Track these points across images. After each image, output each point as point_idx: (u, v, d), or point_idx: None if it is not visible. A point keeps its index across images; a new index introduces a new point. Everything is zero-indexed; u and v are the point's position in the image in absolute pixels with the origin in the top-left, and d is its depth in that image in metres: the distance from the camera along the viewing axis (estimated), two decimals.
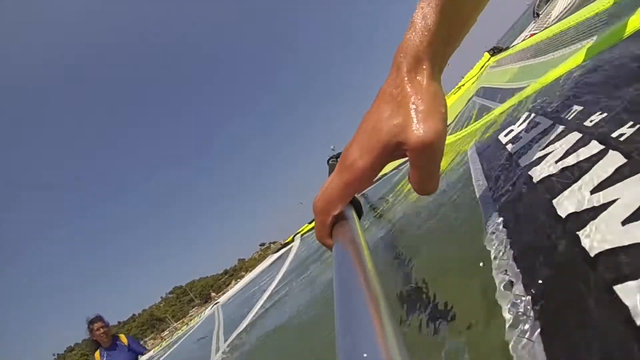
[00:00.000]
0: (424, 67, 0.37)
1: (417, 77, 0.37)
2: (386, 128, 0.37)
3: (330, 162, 2.69)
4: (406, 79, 0.37)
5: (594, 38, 1.25)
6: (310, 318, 1.91)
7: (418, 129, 0.35)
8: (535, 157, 0.59)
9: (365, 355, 0.19)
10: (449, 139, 2.81)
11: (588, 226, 0.39)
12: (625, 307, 0.29)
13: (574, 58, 1.07)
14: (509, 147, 0.76)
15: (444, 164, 1.94)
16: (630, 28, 0.77)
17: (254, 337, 2.82)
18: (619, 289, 0.31)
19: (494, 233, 0.58)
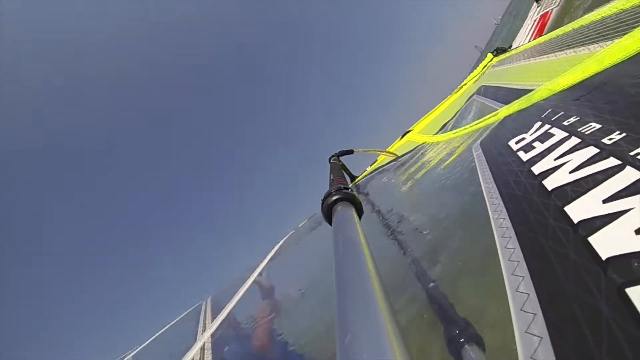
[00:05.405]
0: None
1: None
2: None
3: (331, 161, 2.71)
4: None
5: (602, 44, 1.26)
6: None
7: None
8: (549, 167, 0.60)
9: (365, 355, 0.19)
10: (448, 135, 2.83)
11: (600, 232, 0.42)
12: (635, 309, 0.32)
13: (583, 67, 1.08)
14: (521, 154, 0.76)
15: (448, 159, 1.94)
16: None
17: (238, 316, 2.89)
18: (631, 291, 0.35)
19: (503, 236, 0.59)
